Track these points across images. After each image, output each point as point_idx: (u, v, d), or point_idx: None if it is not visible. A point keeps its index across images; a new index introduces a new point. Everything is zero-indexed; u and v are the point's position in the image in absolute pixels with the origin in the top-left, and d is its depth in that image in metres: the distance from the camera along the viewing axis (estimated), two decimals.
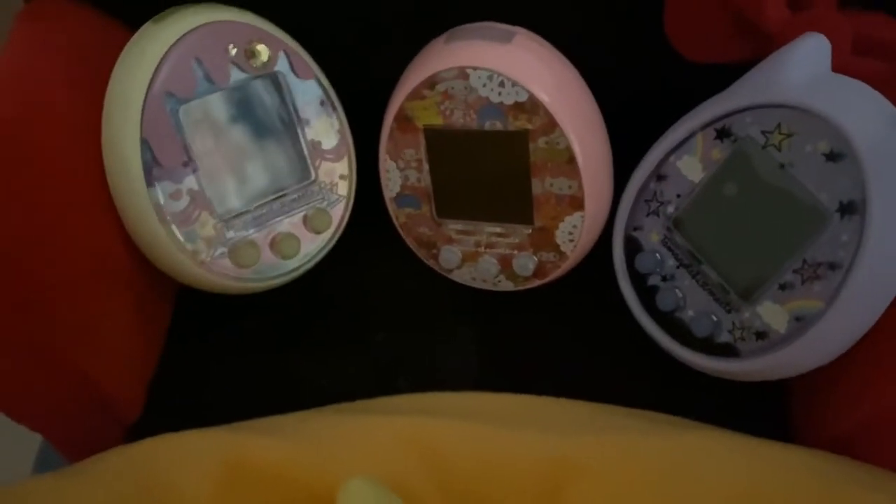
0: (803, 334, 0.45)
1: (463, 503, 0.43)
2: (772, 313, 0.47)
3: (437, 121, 0.52)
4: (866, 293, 0.44)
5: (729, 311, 0.49)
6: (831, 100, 0.45)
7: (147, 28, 0.51)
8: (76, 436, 0.56)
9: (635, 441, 0.44)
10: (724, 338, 0.49)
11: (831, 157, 0.44)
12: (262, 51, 0.52)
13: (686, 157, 0.51)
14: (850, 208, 0.43)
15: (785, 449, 0.44)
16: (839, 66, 0.47)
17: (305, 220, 0.56)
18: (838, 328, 0.45)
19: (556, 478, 0.43)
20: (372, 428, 0.45)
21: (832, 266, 0.44)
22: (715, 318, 0.49)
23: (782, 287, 0.46)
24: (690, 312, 0.51)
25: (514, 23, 0.53)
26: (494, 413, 0.47)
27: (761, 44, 0.50)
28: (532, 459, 0.43)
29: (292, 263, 0.56)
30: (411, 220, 0.58)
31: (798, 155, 0.46)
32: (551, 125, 0.50)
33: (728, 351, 0.49)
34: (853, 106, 0.45)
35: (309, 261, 0.56)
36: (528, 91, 0.49)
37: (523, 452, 0.43)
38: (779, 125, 0.46)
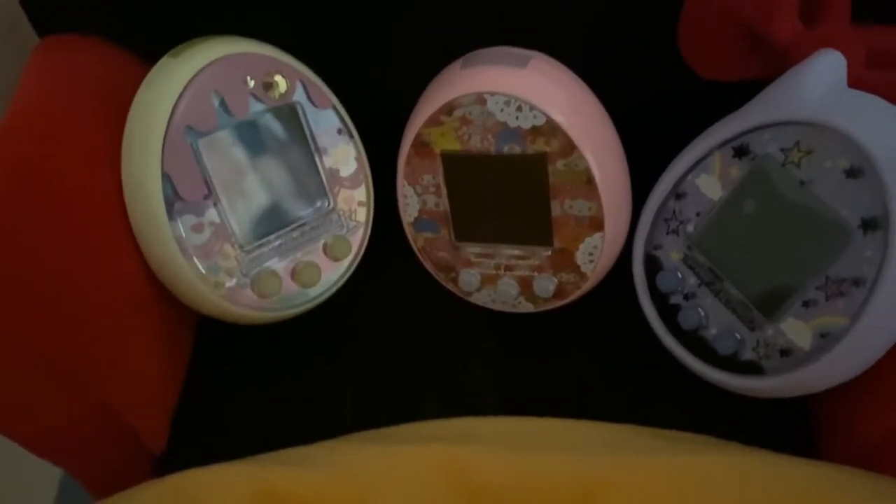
0: (829, 351, 0.45)
1: None
2: (795, 330, 0.47)
3: (455, 146, 0.52)
4: (892, 307, 0.44)
5: (752, 329, 0.49)
6: (849, 115, 0.45)
7: (165, 62, 0.51)
8: (101, 470, 0.56)
9: (666, 461, 0.44)
10: (747, 355, 0.49)
11: (851, 173, 0.44)
12: (280, 82, 0.52)
13: (704, 175, 0.51)
14: (873, 224, 0.43)
15: (812, 465, 0.44)
16: (854, 81, 0.47)
17: (325, 247, 0.56)
18: (864, 343, 0.45)
19: (588, 500, 0.42)
20: (402, 456, 0.45)
21: (856, 282, 0.44)
22: (738, 336, 0.49)
23: (806, 304, 0.46)
24: (713, 330, 0.51)
25: (527, 46, 0.53)
26: (524, 437, 0.47)
27: (775, 61, 0.50)
28: (565, 482, 0.43)
29: (313, 292, 0.56)
30: (430, 245, 0.58)
31: (818, 172, 0.46)
32: (569, 147, 0.50)
33: (752, 368, 0.49)
34: (871, 121, 0.45)
35: (329, 288, 0.56)
36: (545, 114, 0.49)
37: (556, 476, 0.43)
38: (797, 142, 0.46)
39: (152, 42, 0.53)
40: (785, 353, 0.47)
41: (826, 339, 0.45)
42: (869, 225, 0.43)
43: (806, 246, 0.47)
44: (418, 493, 0.44)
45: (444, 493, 0.44)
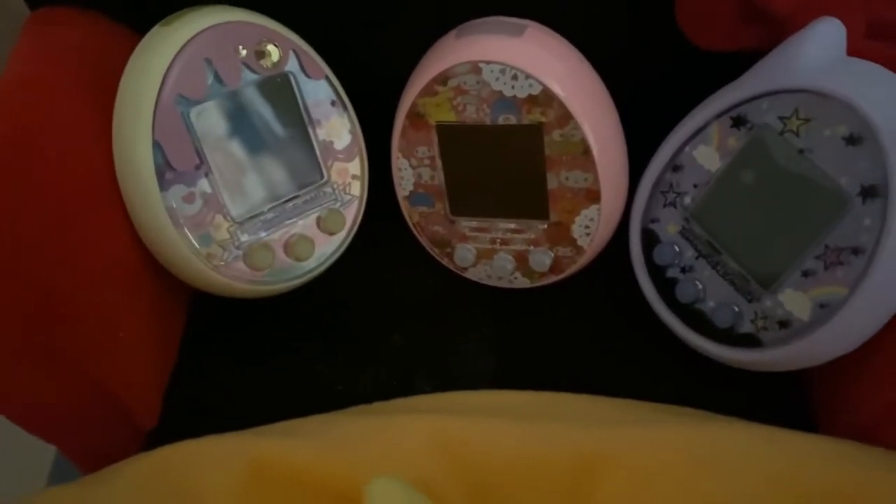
0: (828, 321, 0.44)
1: (491, 500, 0.43)
2: (794, 301, 0.46)
3: (450, 117, 0.52)
4: (891, 277, 0.43)
5: (750, 301, 0.48)
6: (849, 83, 0.44)
7: (156, 31, 0.50)
8: (92, 447, 0.56)
9: (663, 434, 0.43)
10: (745, 328, 0.48)
11: (851, 140, 0.44)
12: (273, 51, 0.51)
13: (702, 146, 0.50)
14: (872, 191, 0.43)
15: (811, 438, 0.44)
16: (854, 50, 0.47)
17: (319, 221, 0.55)
18: (863, 314, 0.44)
19: (585, 473, 0.42)
20: (395, 428, 0.45)
21: (855, 251, 0.43)
22: (736, 309, 0.49)
23: (805, 274, 0.46)
24: (711, 303, 0.50)
25: (522, 16, 0.52)
26: (519, 410, 0.47)
27: (773, 30, 0.49)
28: (561, 455, 0.42)
29: (307, 265, 0.55)
30: (425, 219, 0.57)
31: (817, 140, 0.45)
32: (566, 117, 0.49)
33: (750, 341, 0.48)
34: (871, 87, 0.44)
35: (323, 262, 0.56)
36: (541, 83, 0.49)
37: (551, 448, 0.43)
38: (796, 110, 0.46)
39: (146, 14, 0.53)
40: (784, 324, 0.47)
41: (825, 310, 0.45)
42: (868, 193, 0.43)
43: (805, 215, 0.46)
44: (412, 464, 0.43)
45: (438, 465, 0.43)
